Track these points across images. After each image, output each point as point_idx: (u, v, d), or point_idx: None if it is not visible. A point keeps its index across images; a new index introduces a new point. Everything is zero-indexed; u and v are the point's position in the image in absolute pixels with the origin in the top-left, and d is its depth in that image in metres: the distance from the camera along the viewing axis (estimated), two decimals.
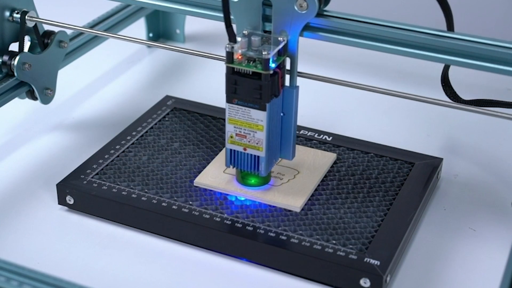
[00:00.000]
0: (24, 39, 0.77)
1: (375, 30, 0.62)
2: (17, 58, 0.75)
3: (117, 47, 0.97)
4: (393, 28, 0.62)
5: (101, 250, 0.66)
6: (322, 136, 0.77)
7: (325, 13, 0.63)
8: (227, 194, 0.68)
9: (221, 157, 0.73)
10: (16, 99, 0.79)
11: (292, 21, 0.63)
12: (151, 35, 1.02)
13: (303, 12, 0.62)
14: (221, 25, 0.64)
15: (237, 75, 0.62)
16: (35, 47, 0.79)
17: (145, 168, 0.72)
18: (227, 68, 0.62)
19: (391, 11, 1.13)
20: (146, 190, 0.69)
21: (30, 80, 0.77)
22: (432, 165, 0.73)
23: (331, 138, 0.76)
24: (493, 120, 0.69)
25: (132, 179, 0.70)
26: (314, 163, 0.72)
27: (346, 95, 0.88)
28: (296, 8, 0.62)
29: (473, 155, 0.79)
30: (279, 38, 0.63)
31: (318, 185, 0.69)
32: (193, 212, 0.66)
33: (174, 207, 0.66)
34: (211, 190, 0.69)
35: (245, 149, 0.65)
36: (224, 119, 0.78)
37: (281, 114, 0.66)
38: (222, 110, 0.79)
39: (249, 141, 0.65)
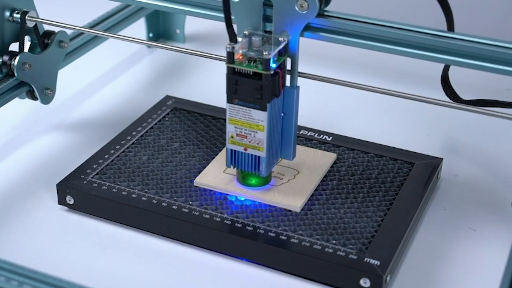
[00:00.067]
0: (24, 39, 0.77)
1: (376, 30, 0.62)
2: (17, 58, 0.75)
3: (117, 47, 0.97)
4: (393, 28, 0.62)
5: (101, 250, 0.66)
6: (322, 136, 0.77)
7: (325, 13, 0.63)
8: (227, 194, 0.68)
9: (221, 157, 0.73)
10: (16, 99, 0.79)
11: (293, 21, 0.63)
12: (151, 35, 1.02)
13: (304, 12, 0.62)
14: (221, 25, 0.64)
15: (238, 75, 0.62)
16: (35, 47, 0.79)
17: (145, 168, 0.72)
18: (228, 68, 0.62)
19: (392, 11, 1.13)
20: (146, 190, 0.69)
21: (30, 80, 0.77)
22: (432, 165, 0.73)
23: (331, 138, 0.76)
24: (493, 120, 0.69)
25: (132, 179, 0.70)
26: (314, 163, 0.72)
27: (346, 95, 0.88)
28: (296, 8, 0.62)
29: (473, 155, 0.79)
30: (279, 38, 0.63)
31: (318, 185, 0.69)
32: (193, 212, 0.66)
33: (174, 207, 0.66)
34: (211, 190, 0.69)
35: (245, 149, 0.65)
36: (224, 119, 0.78)
37: (282, 114, 0.66)
38: (222, 110, 0.79)
39: (249, 141, 0.65)
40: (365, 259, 0.61)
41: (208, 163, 0.72)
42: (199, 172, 0.71)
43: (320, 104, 0.88)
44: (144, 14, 0.96)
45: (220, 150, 0.74)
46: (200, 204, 0.67)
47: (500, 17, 1.11)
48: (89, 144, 0.79)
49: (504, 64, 0.59)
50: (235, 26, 0.63)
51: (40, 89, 0.79)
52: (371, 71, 0.95)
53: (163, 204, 0.67)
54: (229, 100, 0.64)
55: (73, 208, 0.70)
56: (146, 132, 0.77)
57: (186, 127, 0.78)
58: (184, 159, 0.73)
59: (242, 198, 0.67)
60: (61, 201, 0.70)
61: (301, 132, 0.77)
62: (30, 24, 0.77)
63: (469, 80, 0.87)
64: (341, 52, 0.94)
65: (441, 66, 0.73)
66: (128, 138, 0.76)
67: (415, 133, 0.83)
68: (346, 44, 0.63)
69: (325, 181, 0.70)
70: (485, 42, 0.60)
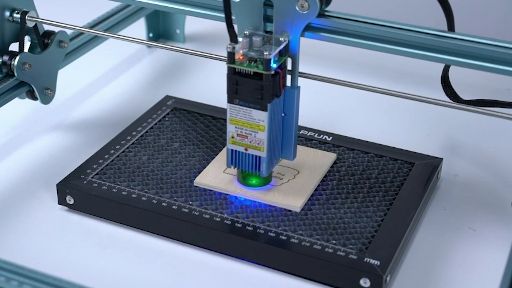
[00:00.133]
0: (24, 39, 0.77)
1: (376, 30, 0.62)
2: (17, 58, 0.75)
3: (117, 47, 0.97)
4: (393, 28, 0.62)
5: (101, 250, 0.66)
6: (322, 136, 0.77)
7: (326, 13, 0.63)
8: (227, 194, 0.68)
9: (221, 157, 0.73)
10: (16, 99, 0.79)
11: (294, 22, 0.63)
12: (151, 35, 1.02)
13: (305, 12, 0.62)
14: (221, 25, 0.64)
15: (239, 75, 0.62)
16: (35, 47, 0.79)
17: (145, 168, 0.72)
18: (229, 68, 0.62)
19: (392, 11, 1.13)
20: (146, 190, 0.69)
21: (30, 80, 0.77)
22: (432, 165, 0.73)
23: (331, 138, 0.76)
24: (493, 120, 0.69)
25: (132, 179, 0.70)
26: (314, 163, 0.72)
27: (346, 95, 0.88)
28: (297, 8, 0.62)
29: (473, 155, 0.79)
30: (280, 39, 0.63)
31: (318, 185, 0.69)
32: (193, 212, 0.66)
33: (174, 207, 0.66)
34: (211, 190, 0.69)
35: (246, 150, 0.65)
36: (224, 119, 0.78)
37: (283, 114, 0.66)
38: (222, 110, 0.79)
39: (250, 142, 0.65)
40: (365, 259, 0.61)
41: (208, 163, 0.72)
42: (199, 172, 0.71)
43: (320, 104, 0.88)
44: (144, 14, 0.96)
45: (220, 150, 0.74)
46: (200, 204, 0.67)
47: (500, 17, 1.11)
48: (89, 144, 0.79)
49: (504, 64, 0.59)
50: (235, 26, 0.63)
51: (40, 89, 0.79)
52: (371, 71, 0.95)
53: (163, 204, 0.67)
54: (230, 100, 0.64)
55: (73, 208, 0.70)
56: (146, 132, 0.77)
57: (186, 127, 0.78)
58: (184, 159, 0.73)
59: (242, 198, 0.67)
60: (61, 201, 0.70)
61: (301, 132, 0.77)
62: (30, 24, 0.77)
63: (469, 80, 0.87)
64: (341, 52, 0.94)
65: (441, 66, 0.73)
66: (128, 138, 0.76)
67: (415, 133, 0.83)
68: (347, 44, 0.63)
69: (325, 181, 0.70)
70: (485, 42, 0.60)
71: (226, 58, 0.62)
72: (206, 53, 0.70)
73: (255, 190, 0.68)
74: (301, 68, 0.65)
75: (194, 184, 0.69)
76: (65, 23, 0.76)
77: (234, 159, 0.66)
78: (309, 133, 0.77)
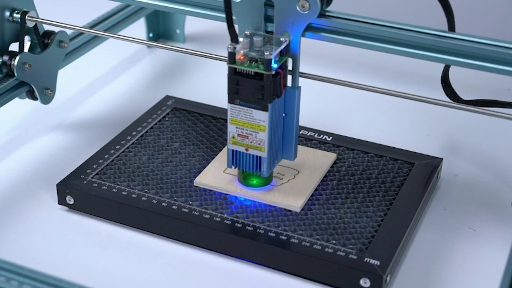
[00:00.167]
0: (24, 39, 0.77)
1: (377, 30, 0.62)
2: (17, 58, 0.75)
3: (117, 47, 0.97)
4: (394, 29, 0.62)
5: (101, 250, 0.66)
6: (322, 136, 0.77)
7: (327, 13, 0.63)
8: (227, 194, 0.68)
9: (221, 157, 0.73)
10: (16, 99, 0.79)
11: (294, 22, 0.63)
12: (151, 35, 1.02)
13: (305, 12, 0.62)
14: (221, 25, 0.64)
15: (239, 75, 0.62)
16: (35, 47, 0.79)
17: (145, 168, 0.72)
18: (229, 68, 0.62)
19: (392, 11, 1.13)
20: (146, 190, 0.69)
21: (30, 80, 0.77)
22: (432, 165, 0.73)
23: (331, 138, 0.76)
24: (493, 120, 0.69)
25: (132, 179, 0.70)
26: (314, 163, 0.72)
27: (346, 95, 0.88)
28: (298, 8, 0.62)
29: (473, 155, 0.79)
30: (281, 39, 0.63)
31: (318, 185, 0.69)
32: (193, 212, 0.66)
33: (174, 207, 0.66)
34: (211, 190, 0.69)
35: (247, 150, 0.65)
36: (224, 119, 0.78)
37: (283, 114, 0.66)
38: (222, 110, 0.80)
39: (251, 142, 0.65)
40: (365, 259, 0.61)
41: (208, 163, 0.72)
42: (199, 172, 0.71)
43: (320, 104, 0.88)
44: (144, 14, 0.96)
45: (220, 150, 0.74)
46: (200, 204, 0.67)
47: (500, 17, 1.11)
48: (89, 144, 0.79)
49: (504, 64, 0.59)
50: (236, 26, 0.63)
51: (40, 89, 0.79)
52: (371, 71, 0.95)
53: (163, 204, 0.67)
54: (231, 101, 0.64)
55: (73, 208, 0.70)
56: (146, 132, 0.77)
57: (186, 127, 0.78)
58: (184, 159, 0.73)
59: (242, 198, 0.67)
60: (61, 201, 0.70)
61: (301, 132, 0.77)
62: (30, 24, 0.77)
63: (469, 80, 0.87)
64: (341, 52, 0.94)
65: (441, 66, 0.73)
66: (128, 138, 0.76)
67: (415, 133, 0.83)
68: (348, 44, 0.63)
69: (325, 181, 0.70)
70: (485, 42, 0.60)
71: (226, 58, 0.62)
72: (206, 53, 0.70)
73: (255, 190, 0.68)
74: (301, 68, 0.65)
75: (194, 184, 0.69)
76: (65, 23, 0.76)
77: (235, 159, 0.66)
78: (309, 133, 0.77)
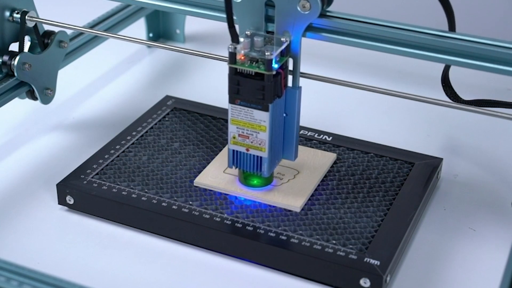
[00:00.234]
0: (24, 39, 0.77)
1: (377, 30, 0.62)
2: (17, 58, 0.75)
3: (117, 47, 0.97)
4: (394, 29, 0.62)
5: (101, 250, 0.66)
6: (322, 136, 0.77)
7: (327, 13, 0.63)
8: (227, 194, 0.68)
9: (221, 157, 0.73)
10: (16, 99, 0.79)
11: (295, 22, 0.63)
12: (151, 35, 1.02)
13: (306, 12, 0.62)
14: (221, 25, 0.64)
15: (240, 75, 0.62)
16: (35, 47, 0.79)
17: (145, 168, 0.72)
18: (230, 68, 0.62)
19: (392, 11, 1.13)
20: (146, 190, 0.69)
21: (30, 80, 0.77)
22: (432, 165, 0.73)
23: (331, 138, 0.76)
24: (493, 120, 0.69)
25: (132, 179, 0.70)
26: (314, 163, 0.72)
27: (346, 95, 0.88)
28: (299, 8, 0.62)
29: (473, 155, 0.79)
30: (281, 39, 0.63)
31: (318, 185, 0.69)
32: (193, 212, 0.66)
33: (174, 207, 0.66)
34: (211, 190, 0.69)
35: (247, 150, 0.65)
36: (224, 119, 0.78)
37: (284, 114, 0.66)
38: (222, 110, 0.80)
39: (251, 142, 0.65)
40: (365, 259, 0.61)
41: (208, 163, 0.72)
42: (199, 172, 0.71)
43: (320, 104, 0.88)
44: (144, 14, 0.96)
45: (220, 150, 0.74)
46: (200, 204, 0.67)
47: (500, 17, 1.11)
48: (89, 144, 0.79)
49: (504, 64, 0.59)
50: (237, 27, 0.63)
51: (40, 89, 0.79)
52: (371, 71, 0.95)
53: (163, 204, 0.67)
54: (231, 101, 0.64)
55: (73, 208, 0.70)
56: (146, 132, 0.77)
57: (186, 127, 0.78)
58: (184, 159, 0.73)
59: (242, 198, 0.67)
60: (61, 201, 0.70)
61: (301, 132, 0.77)
62: (30, 24, 0.77)
63: (469, 80, 0.87)
64: (341, 52, 0.94)
65: (441, 66, 0.73)
66: (128, 138, 0.76)
67: (415, 133, 0.83)
68: (348, 45, 0.63)
69: (325, 181, 0.70)
70: (485, 42, 0.60)
71: (226, 58, 0.62)
72: (206, 53, 0.70)
73: (255, 190, 0.68)
74: (301, 68, 0.65)
75: (194, 184, 0.69)
76: (65, 23, 0.76)
77: (236, 159, 0.66)
78: (309, 133, 0.77)
